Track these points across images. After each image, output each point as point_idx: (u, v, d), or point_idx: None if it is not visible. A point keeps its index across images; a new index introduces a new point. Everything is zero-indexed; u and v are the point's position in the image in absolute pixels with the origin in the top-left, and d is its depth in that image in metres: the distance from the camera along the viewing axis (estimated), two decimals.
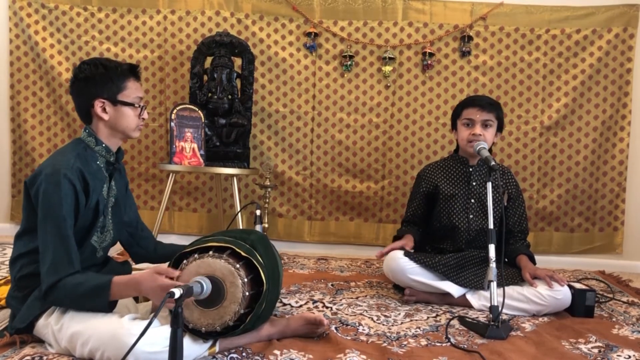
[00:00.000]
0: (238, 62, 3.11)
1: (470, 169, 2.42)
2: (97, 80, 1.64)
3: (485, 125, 2.34)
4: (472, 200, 2.39)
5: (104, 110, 1.66)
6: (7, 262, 2.62)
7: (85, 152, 1.65)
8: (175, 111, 2.80)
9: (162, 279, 1.47)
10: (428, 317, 2.10)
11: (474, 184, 2.41)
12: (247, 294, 1.52)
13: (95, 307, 1.52)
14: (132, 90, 1.69)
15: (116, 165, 1.75)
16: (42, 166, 1.58)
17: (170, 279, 1.48)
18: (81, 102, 1.68)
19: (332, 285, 2.55)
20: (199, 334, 1.56)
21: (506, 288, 2.07)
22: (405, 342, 1.81)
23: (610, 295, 2.51)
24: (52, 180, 1.52)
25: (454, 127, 2.48)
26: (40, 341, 1.62)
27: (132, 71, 1.70)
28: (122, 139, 1.74)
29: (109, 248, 1.77)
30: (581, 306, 2.18)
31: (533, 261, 2.34)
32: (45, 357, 1.53)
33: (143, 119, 1.73)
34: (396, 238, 2.49)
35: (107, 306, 1.53)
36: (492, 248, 1.98)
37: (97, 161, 1.67)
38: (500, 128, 2.41)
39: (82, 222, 1.61)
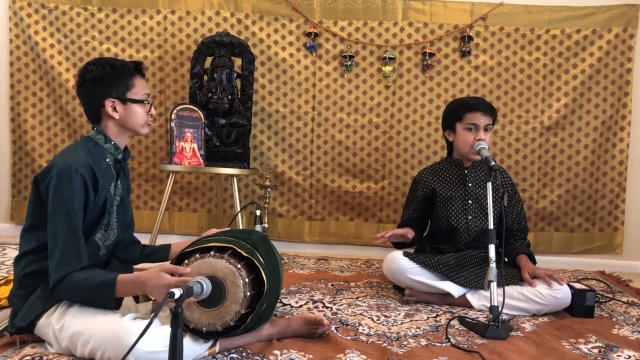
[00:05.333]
0: (238, 62, 3.10)
1: (466, 171, 2.42)
2: (106, 80, 1.65)
3: (485, 129, 2.35)
4: (470, 202, 2.39)
5: (114, 109, 1.67)
6: (7, 262, 2.63)
7: (95, 150, 1.67)
8: (175, 111, 2.80)
9: (168, 277, 1.47)
10: (428, 317, 2.10)
11: (470, 185, 2.41)
12: (248, 294, 1.52)
13: (100, 303, 1.53)
14: (139, 88, 1.71)
15: (123, 163, 1.77)
16: (53, 161, 1.59)
17: (179, 277, 1.48)
18: (90, 103, 1.69)
19: (332, 285, 2.55)
20: (200, 334, 1.56)
21: (506, 288, 2.07)
22: (405, 342, 1.81)
23: (610, 296, 2.51)
24: (64, 175, 1.53)
25: (449, 128, 2.42)
26: (40, 341, 1.61)
27: (137, 69, 1.72)
28: (130, 137, 1.77)
29: (112, 247, 1.77)
30: (581, 306, 2.18)
31: (533, 260, 2.33)
32: (45, 357, 1.53)
33: (151, 115, 1.75)
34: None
35: (113, 303, 1.53)
36: (492, 248, 1.98)
37: (106, 159, 1.69)
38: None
39: (89, 219, 1.61)
